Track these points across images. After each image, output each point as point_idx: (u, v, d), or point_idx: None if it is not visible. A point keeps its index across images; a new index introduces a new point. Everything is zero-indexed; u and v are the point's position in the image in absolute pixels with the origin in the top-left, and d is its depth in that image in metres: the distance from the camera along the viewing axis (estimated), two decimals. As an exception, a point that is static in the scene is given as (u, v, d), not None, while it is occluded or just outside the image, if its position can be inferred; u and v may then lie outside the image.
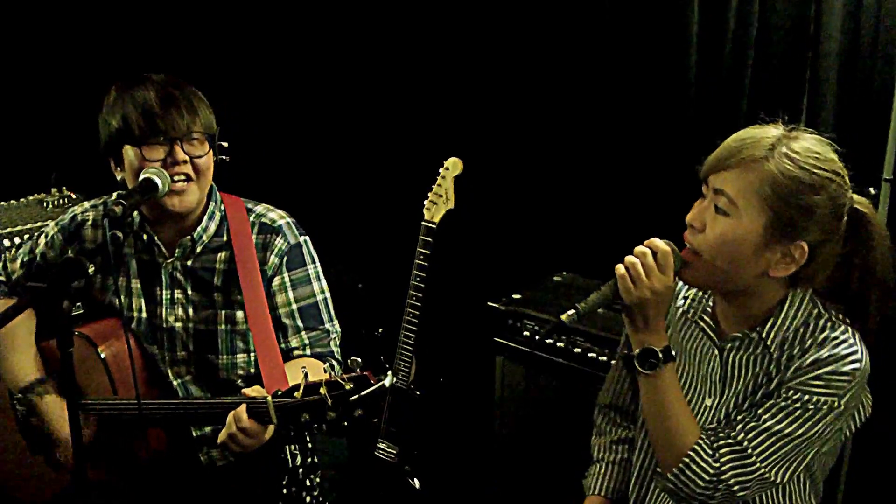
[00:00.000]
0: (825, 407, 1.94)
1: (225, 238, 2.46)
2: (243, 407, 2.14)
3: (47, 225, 2.63)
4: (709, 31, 3.34)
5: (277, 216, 2.52)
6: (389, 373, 2.05)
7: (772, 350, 2.01)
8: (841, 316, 2.01)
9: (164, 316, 2.48)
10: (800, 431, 1.96)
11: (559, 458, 3.07)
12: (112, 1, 4.07)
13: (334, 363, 2.49)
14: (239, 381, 2.49)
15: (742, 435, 1.99)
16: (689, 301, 2.19)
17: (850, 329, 1.98)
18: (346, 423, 2.05)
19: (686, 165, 3.40)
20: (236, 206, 2.51)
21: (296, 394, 2.09)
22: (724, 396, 2.09)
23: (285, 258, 2.47)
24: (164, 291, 2.47)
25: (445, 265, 3.35)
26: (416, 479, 3.33)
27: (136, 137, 2.30)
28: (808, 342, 1.98)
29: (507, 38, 3.76)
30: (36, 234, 2.66)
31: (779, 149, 1.89)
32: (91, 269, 2.49)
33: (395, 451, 3.34)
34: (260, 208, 2.53)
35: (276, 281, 2.47)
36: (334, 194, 4.08)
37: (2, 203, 3.45)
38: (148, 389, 2.45)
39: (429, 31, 3.90)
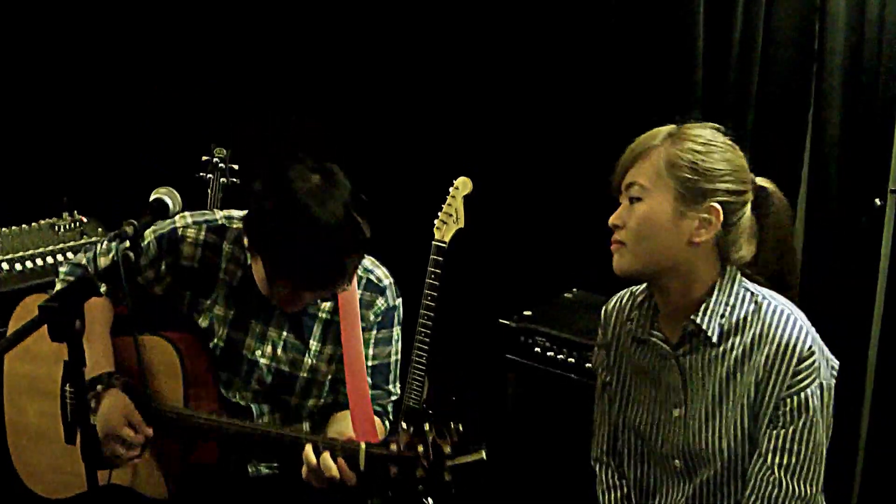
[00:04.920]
0: (817, 391, 1.99)
1: None
2: (328, 453, 2.11)
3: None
4: (714, 48, 3.36)
5: (383, 274, 2.54)
6: (484, 448, 1.99)
7: (712, 337, 2.03)
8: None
9: (251, 347, 2.47)
10: (816, 431, 1.99)
11: (572, 475, 3.06)
12: (126, 24, 4.10)
13: (386, 423, 2.54)
14: (302, 421, 2.54)
15: (775, 468, 2.01)
16: (635, 322, 2.19)
17: (783, 302, 2.05)
18: (422, 486, 1.98)
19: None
20: None
21: (392, 446, 2.03)
22: (690, 403, 2.10)
23: (381, 318, 2.51)
24: (258, 325, 2.46)
25: (456, 284, 3.35)
26: (430, 500, 3.32)
27: None
28: (760, 340, 2.01)
29: (514, 58, 3.79)
30: None
31: (673, 136, 2.03)
32: (103, 289, 2.49)
33: (407, 471, 3.33)
34: (368, 262, 2.52)
35: (364, 336, 2.48)
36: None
37: (13, 227, 3.43)
38: (218, 407, 2.46)
39: (437, 51, 3.92)
